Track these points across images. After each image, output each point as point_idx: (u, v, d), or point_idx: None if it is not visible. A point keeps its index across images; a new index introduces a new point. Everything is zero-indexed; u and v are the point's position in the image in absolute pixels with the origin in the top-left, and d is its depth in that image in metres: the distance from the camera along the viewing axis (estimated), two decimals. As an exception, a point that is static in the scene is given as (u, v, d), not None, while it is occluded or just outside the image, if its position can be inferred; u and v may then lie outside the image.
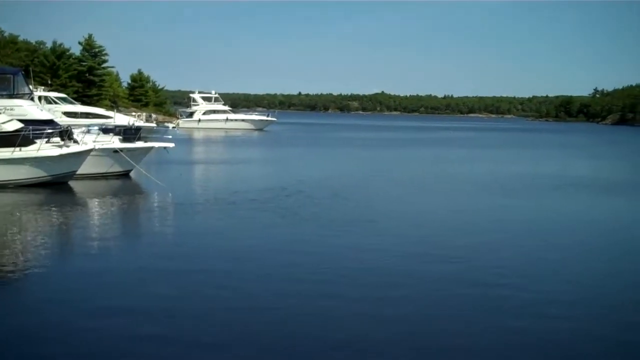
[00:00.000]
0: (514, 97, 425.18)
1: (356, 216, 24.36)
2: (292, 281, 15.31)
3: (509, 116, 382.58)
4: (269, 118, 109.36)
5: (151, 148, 36.11)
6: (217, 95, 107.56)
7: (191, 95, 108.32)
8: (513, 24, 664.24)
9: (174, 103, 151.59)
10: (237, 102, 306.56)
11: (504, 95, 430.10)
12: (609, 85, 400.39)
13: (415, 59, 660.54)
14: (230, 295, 14.19)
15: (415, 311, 13.40)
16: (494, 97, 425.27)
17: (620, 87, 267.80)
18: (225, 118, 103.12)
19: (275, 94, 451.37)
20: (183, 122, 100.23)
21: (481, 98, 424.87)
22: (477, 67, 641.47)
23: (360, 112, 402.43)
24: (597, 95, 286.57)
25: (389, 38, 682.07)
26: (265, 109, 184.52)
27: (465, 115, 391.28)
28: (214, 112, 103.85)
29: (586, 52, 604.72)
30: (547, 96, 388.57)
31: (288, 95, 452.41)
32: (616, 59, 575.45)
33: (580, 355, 11.37)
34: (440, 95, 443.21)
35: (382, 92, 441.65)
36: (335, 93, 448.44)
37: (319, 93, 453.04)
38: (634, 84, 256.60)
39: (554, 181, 39.08)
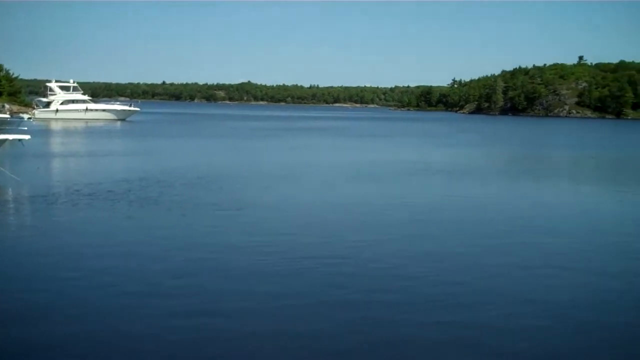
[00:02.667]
0: (377, 87, 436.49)
1: (220, 204, 24.08)
2: (146, 267, 14.96)
3: (372, 106, 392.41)
4: (132, 108, 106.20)
5: (4, 140, 34.00)
6: (75, 85, 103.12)
7: (48, 84, 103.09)
8: (376, 17, 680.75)
9: (29, 93, 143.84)
10: (97, 92, 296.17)
11: (368, 85, 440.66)
12: (466, 76, 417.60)
13: (282, 48, 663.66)
14: (82, 286, 13.63)
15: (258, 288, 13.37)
16: (358, 87, 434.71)
17: (477, 78, 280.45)
18: (85, 108, 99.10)
19: (138, 83, 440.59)
20: (39, 113, 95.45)
21: (346, 88, 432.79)
22: (341, 57, 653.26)
23: (227, 101, 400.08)
24: (456, 86, 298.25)
25: (255, 27, 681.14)
26: (127, 99, 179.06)
27: (331, 104, 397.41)
28: (73, 101, 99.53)
29: (445, 44, 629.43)
30: (408, 86, 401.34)
31: (152, 85, 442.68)
32: (473, 51, 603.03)
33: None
34: (306, 85, 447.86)
35: (249, 81, 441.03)
36: (200, 82, 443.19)
37: (184, 82, 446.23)
38: (489, 75, 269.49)
39: (417, 167, 40.38)
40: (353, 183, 32.63)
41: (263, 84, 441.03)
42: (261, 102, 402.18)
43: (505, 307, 13.19)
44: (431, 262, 16.66)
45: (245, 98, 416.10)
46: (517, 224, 22.34)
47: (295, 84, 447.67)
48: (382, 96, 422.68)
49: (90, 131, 76.44)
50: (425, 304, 13.28)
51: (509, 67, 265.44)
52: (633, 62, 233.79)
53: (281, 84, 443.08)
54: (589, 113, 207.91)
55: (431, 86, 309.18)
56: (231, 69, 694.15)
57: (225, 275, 15.00)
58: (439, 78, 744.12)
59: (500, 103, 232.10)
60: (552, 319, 12.50)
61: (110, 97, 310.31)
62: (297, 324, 11.99)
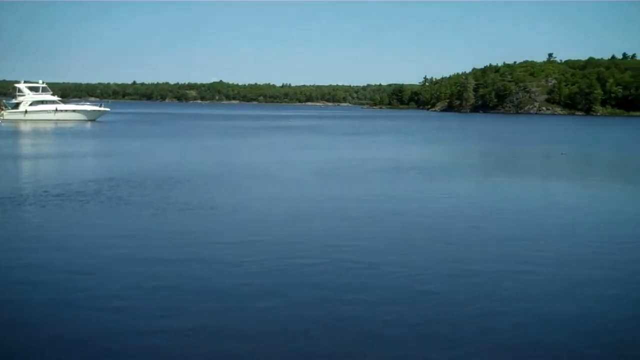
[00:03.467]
0: (350, 86, 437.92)
1: (191, 204, 23.87)
2: (117, 270, 14.78)
3: (344, 104, 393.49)
4: (102, 108, 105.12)
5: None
6: (44, 85, 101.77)
7: (16, 85, 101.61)
8: (348, 16, 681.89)
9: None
10: (67, 92, 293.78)
11: (340, 84, 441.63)
12: (437, 74, 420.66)
13: (253, 48, 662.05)
14: (47, 288, 13.38)
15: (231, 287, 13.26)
16: (331, 85, 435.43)
17: (448, 76, 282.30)
18: (54, 109, 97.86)
19: (109, 83, 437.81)
20: (8, 114, 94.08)
21: (318, 87, 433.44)
22: (314, 56, 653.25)
23: (199, 101, 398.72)
24: (427, 84, 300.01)
25: (226, 26, 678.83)
26: (98, 99, 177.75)
27: (303, 103, 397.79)
28: (42, 102, 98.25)
29: (416, 42, 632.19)
30: (380, 84, 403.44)
31: (122, 85, 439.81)
32: (444, 49, 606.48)
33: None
34: (278, 84, 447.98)
35: (221, 81, 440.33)
36: (172, 82, 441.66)
37: (155, 82, 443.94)
38: (460, 73, 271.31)
39: (389, 164, 40.47)
40: (325, 181, 32.55)
41: (235, 83, 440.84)
42: (233, 102, 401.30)
43: (485, 302, 13.22)
44: (404, 258, 16.62)
45: (217, 97, 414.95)
46: (488, 219, 22.41)
47: (267, 83, 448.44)
48: (355, 95, 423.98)
49: (60, 132, 75.54)
50: (401, 300, 13.23)
51: (480, 65, 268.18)
52: (602, 59, 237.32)
53: (253, 83, 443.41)
54: (558, 110, 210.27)
55: (403, 84, 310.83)
56: (203, 69, 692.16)
57: (199, 277, 14.83)
58: (411, 76, 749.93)
59: (472, 101, 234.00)
60: (519, 312, 12.55)
61: (80, 97, 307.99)
62: (275, 325, 11.88)
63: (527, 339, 11.33)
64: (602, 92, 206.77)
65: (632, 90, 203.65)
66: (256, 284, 14.22)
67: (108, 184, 28.83)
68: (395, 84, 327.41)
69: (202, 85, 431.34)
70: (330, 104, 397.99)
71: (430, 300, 13.30)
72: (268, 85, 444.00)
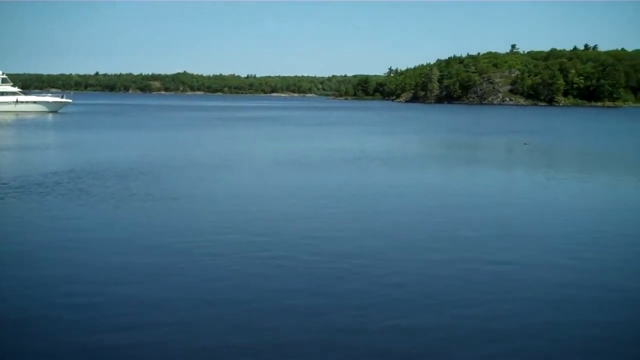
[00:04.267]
0: (315, 77, 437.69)
1: (154, 195, 23.64)
2: (77, 264, 14.55)
3: (310, 95, 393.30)
4: (64, 99, 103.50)
5: None
6: (4, 76, 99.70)
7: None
8: (312, 6, 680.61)
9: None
10: (28, 84, 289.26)
11: (305, 74, 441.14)
12: (402, 65, 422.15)
13: (218, 38, 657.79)
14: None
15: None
16: (296, 76, 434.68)
17: (413, 67, 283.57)
18: (15, 100, 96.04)
19: (71, 74, 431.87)
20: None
21: (283, 78, 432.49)
22: (279, 47, 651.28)
23: (163, 92, 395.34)
24: (392, 75, 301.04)
25: (190, 16, 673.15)
26: (59, 90, 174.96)
27: (269, 94, 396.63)
28: (2, 94, 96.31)
29: (381, 33, 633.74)
30: (345, 76, 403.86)
31: (84, 76, 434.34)
32: (409, 40, 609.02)
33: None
34: (243, 75, 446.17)
35: (185, 71, 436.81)
36: (135, 73, 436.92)
37: (118, 73, 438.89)
38: (424, 64, 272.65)
39: (354, 155, 40.56)
40: (289, 172, 32.49)
41: (199, 74, 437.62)
42: (198, 93, 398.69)
43: (448, 302, 13.27)
44: (372, 253, 16.62)
45: (181, 88, 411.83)
46: (452, 209, 22.54)
47: (232, 73, 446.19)
48: (320, 85, 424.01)
49: (21, 124, 74.21)
50: (364, 297, 13.22)
51: (444, 56, 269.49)
52: (564, 50, 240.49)
53: (218, 74, 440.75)
54: (522, 100, 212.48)
55: (368, 75, 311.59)
56: (167, 59, 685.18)
57: (162, 273, 14.65)
58: (376, 67, 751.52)
59: (436, 91, 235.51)
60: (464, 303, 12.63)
61: (41, 88, 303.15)
62: (237, 317, 11.80)
63: (485, 326, 11.42)
64: (564, 83, 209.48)
65: (593, 81, 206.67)
66: (216, 274, 14.13)
67: (69, 175, 28.40)
68: (360, 75, 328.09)
69: (166, 76, 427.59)
70: (295, 95, 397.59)
71: (395, 292, 13.32)
72: (233, 76, 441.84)
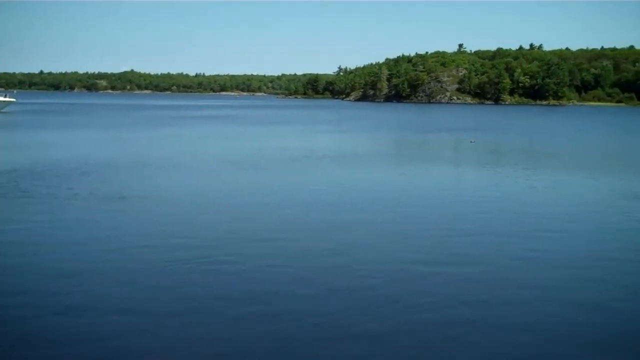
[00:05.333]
0: (264, 76, 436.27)
1: (99, 195, 23.22)
2: (18, 268, 14.22)
3: (259, 94, 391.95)
4: (7, 99, 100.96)
5: None
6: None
7: None
8: (262, 5, 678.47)
9: None
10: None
11: (255, 73, 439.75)
12: (351, 64, 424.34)
13: (166, 36, 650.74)
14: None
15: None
16: (245, 75, 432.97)
17: (362, 66, 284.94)
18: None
19: (14, 73, 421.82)
20: None
21: (233, 76, 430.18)
22: (228, 45, 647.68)
23: (110, 91, 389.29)
24: (342, 74, 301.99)
25: (139, 14, 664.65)
26: (2, 89, 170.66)
27: (218, 93, 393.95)
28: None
29: (330, 32, 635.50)
30: (295, 74, 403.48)
31: (28, 74, 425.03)
32: (358, 39, 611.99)
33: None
34: (192, 73, 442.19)
35: (132, 70, 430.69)
36: (81, 71, 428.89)
37: (64, 72, 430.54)
38: (374, 63, 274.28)
39: (303, 153, 40.54)
40: (237, 171, 32.30)
41: (147, 72, 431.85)
42: (145, 91, 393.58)
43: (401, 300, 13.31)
44: (316, 253, 16.61)
45: (128, 87, 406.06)
46: (399, 205, 22.67)
47: (180, 72, 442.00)
48: (270, 84, 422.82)
49: (-39, 123, 72.27)
50: (318, 295, 13.20)
51: (393, 55, 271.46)
52: (510, 49, 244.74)
53: (166, 73, 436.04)
54: (469, 99, 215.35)
55: (318, 74, 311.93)
56: (113, 58, 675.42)
57: (96, 265, 14.40)
58: (326, 66, 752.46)
59: (385, 90, 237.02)
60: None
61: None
62: (176, 309, 11.63)
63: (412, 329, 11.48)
64: (510, 82, 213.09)
65: (538, 80, 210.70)
66: (156, 277, 13.95)
67: (9, 176, 27.70)
68: (310, 74, 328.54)
69: (113, 74, 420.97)
70: (245, 93, 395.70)
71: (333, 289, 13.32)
72: (181, 75, 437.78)
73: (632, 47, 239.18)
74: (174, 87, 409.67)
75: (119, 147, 44.34)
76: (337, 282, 13.66)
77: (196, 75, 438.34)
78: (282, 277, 13.97)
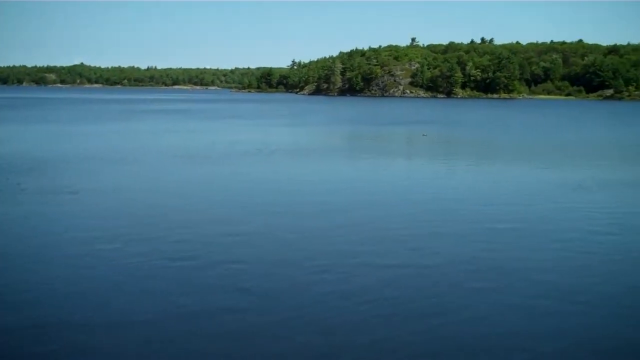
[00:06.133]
0: (218, 69, 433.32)
1: (45, 190, 22.76)
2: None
3: (213, 87, 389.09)
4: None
5: None
6: None
7: None
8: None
9: None
10: None
11: (208, 67, 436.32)
12: (305, 58, 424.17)
13: (117, 29, 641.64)
14: None
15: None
16: (198, 68, 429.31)
17: (316, 59, 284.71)
18: None
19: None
20: None
21: (185, 70, 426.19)
22: (180, 38, 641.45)
23: (59, 85, 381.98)
24: (295, 67, 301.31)
25: (88, 5, 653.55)
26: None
27: (170, 87, 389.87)
28: None
29: (284, 26, 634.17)
30: (249, 68, 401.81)
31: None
32: (312, 33, 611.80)
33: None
34: (143, 67, 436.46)
35: (82, 63, 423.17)
36: (29, 65, 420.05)
37: (11, 65, 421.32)
38: (327, 56, 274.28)
39: (256, 147, 40.45)
40: (189, 165, 32.04)
41: (97, 66, 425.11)
42: (96, 85, 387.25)
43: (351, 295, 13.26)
44: (274, 250, 16.51)
45: (78, 81, 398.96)
46: (350, 196, 22.70)
47: (131, 65, 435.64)
48: (223, 78, 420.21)
49: None
50: (270, 295, 13.09)
51: (347, 49, 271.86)
52: (462, 43, 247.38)
53: (117, 66, 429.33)
54: (422, 93, 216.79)
55: (271, 68, 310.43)
56: (63, 51, 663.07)
57: (44, 262, 14.08)
58: (279, 60, 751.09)
59: (339, 84, 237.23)
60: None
61: None
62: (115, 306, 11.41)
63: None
64: (462, 76, 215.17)
65: (489, 74, 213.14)
66: (104, 262, 13.77)
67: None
68: (263, 68, 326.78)
69: (62, 68, 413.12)
70: (198, 87, 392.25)
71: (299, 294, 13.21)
72: (132, 68, 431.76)
73: (580, 41, 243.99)
74: (125, 81, 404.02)
75: (68, 142, 43.51)
76: (285, 277, 13.57)
77: (148, 69, 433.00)
78: (226, 271, 13.86)
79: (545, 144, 48.59)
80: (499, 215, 20.31)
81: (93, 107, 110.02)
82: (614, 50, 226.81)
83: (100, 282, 12.93)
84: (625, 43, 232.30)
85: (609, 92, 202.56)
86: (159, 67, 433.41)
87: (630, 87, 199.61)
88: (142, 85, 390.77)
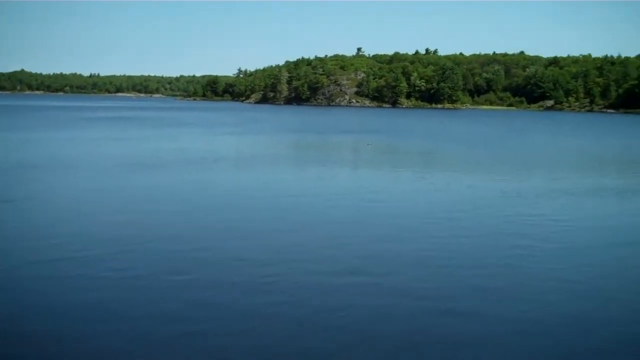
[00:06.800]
0: (162, 77, 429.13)
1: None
2: None
3: (157, 95, 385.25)
4: None
5: None
6: None
7: None
8: (160, 5, 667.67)
9: None
10: None
11: (152, 74, 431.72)
12: (251, 66, 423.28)
13: (59, 35, 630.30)
14: None
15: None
16: (142, 76, 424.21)
17: (262, 68, 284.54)
18: None
19: None
20: None
21: (129, 77, 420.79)
22: (123, 45, 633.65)
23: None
24: (241, 76, 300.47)
25: (29, 10, 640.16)
26: None
27: (114, 94, 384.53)
28: None
29: (230, 34, 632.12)
30: (194, 76, 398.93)
31: None
32: (258, 41, 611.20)
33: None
34: (86, 73, 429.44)
35: (22, 69, 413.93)
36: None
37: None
38: (274, 65, 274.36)
39: (200, 155, 40.06)
40: (130, 173, 31.47)
41: (38, 72, 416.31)
42: (37, 92, 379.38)
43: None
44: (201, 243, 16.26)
45: (18, 87, 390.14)
46: (293, 206, 22.60)
47: (73, 72, 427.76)
48: (168, 86, 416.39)
49: None
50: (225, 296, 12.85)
51: (293, 58, 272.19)
52: (407, 53, 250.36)
53: (58, 73, 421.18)
54: (367, 102, 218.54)
55: (217, 76, 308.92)
56: (2, 56, 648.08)
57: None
58: (225, 68, 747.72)
59: (285, 93, 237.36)
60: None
61: None
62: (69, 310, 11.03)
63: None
64: (407, 86, 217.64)
65: (434, 84, 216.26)
66: (37, 272, 13.44)
67: None
68: (209, 76, 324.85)
69: (2, 74, 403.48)
70: (142, 95, 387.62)
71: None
72: (75, 75, 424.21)
73: (522, 52, 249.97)
74: (67, 88, 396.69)
75: (4, 150, 42.27)
76: (222, 290, 13.37)
77: (90, 76, 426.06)
78: (170, 283, 13.55)
79: (487, 154, 49.31)
80: (437, 223, 20.43)
81: (33, 114, 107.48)
82: (554, 62, 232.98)
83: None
84: (565, 55, 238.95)
85: (550, 103, 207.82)
86: (101, 74, 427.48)
87: (570, 98, 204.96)
88: (85, 93, 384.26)
